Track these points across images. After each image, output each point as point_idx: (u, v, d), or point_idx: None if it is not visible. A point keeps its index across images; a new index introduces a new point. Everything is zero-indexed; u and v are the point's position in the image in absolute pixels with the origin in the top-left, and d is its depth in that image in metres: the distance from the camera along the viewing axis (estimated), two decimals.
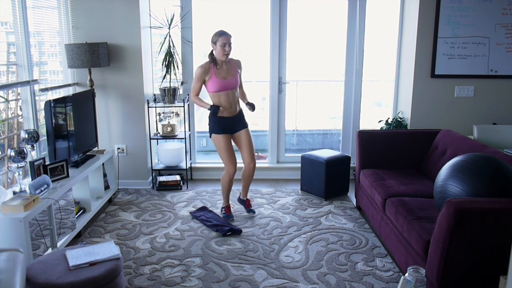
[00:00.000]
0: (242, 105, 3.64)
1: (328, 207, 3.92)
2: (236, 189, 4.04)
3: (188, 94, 4.58)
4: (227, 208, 3.69)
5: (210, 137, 3.54)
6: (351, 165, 4.41)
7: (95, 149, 3.92)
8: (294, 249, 3.11)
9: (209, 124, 3.53)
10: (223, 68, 3.41)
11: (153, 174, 4.55)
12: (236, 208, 3.85)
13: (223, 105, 3.43)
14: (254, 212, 3.73)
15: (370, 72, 4.83)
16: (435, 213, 2.57)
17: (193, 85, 3.46)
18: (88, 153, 3.72)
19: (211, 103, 3.46)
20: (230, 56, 3.44)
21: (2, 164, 3.17)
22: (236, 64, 3.53)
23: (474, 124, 4.14)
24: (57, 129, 3.18)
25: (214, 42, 3.35)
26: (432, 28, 4.18)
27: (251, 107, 3.51)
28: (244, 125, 3.58)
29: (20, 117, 3.40)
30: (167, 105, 4.29)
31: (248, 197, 3.82)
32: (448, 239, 2.10)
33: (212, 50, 3.40)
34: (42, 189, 2.75)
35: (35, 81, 3.34)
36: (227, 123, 3.49)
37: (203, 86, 3.47)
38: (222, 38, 3.31)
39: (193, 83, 3.48)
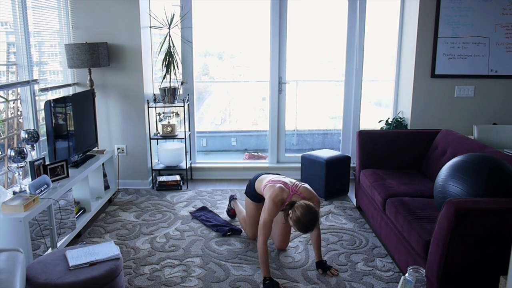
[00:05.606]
0: None
1: (328, 207, 3.92)
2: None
3: (188, 95, 4.58)
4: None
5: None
6: (351, 165, 4.41)
7: (95, 149, 3.92)
8: (294, 249, 3.11)
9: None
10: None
11: (153, 174, 4.55)
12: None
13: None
14: None
15: (370, 72, 4.83)
16: (435, 213, 2.57)
17: (269, 211, 2.72)
18: (88, 153, 3.72)
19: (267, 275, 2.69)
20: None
21: (2, 164, 3.17)
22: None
23: (474, 124, 4.14)
24: (57, 129, 3.18)
25: (292, 218, 2.62)
26: (432, 28, 4.18)
27: (323, 269, 2.82)
28: None
29: (20, 116, 3.39)
30: (167, 105, 4.29)
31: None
32: (448, 239, 2.10)
33: (290, 211, 2.66)
34: (42, 189, 2.74)
35: (35, 81, 3.34)
36: None
37: (261, 190, 2.94)
38: (300, 231, 2.64)
39: (269, 209, 2.73)
